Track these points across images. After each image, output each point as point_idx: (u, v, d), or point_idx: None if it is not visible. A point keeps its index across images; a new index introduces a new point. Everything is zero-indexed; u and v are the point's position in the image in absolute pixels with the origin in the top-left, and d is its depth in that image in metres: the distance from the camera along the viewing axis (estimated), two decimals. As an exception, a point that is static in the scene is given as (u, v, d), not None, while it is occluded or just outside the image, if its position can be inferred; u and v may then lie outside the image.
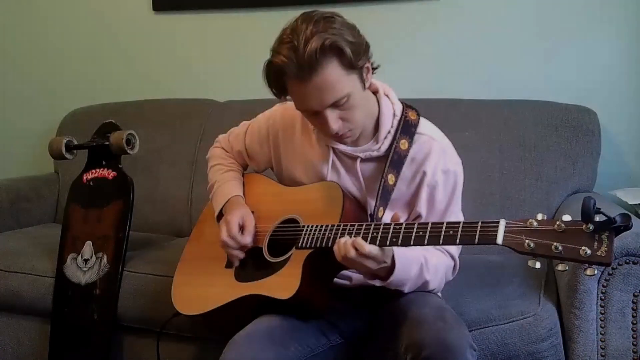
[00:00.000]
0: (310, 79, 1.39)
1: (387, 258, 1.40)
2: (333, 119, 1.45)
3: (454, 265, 1.59)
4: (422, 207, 1.56)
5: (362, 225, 1.42)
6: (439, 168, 1.55)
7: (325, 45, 1.37)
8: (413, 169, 1.56)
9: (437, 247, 1.53)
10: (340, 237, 1.41)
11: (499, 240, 1.22)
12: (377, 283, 1.47)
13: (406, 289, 1.51)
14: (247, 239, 1.61)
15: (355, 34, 1.44)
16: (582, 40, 2.39)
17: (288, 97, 1.49)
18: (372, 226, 1.40)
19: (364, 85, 1.48)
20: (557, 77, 2.42)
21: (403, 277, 1.46)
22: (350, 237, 1.40)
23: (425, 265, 1.49)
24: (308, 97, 1.42)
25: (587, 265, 1.17)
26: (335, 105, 1.43)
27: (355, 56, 1.41)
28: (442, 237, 1.31)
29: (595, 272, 1.19)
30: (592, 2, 2.37)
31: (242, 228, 1.62)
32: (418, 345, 1.35)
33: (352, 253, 1.35)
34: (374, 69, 1.51)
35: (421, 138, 1.57)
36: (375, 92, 1.58)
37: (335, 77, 1.40)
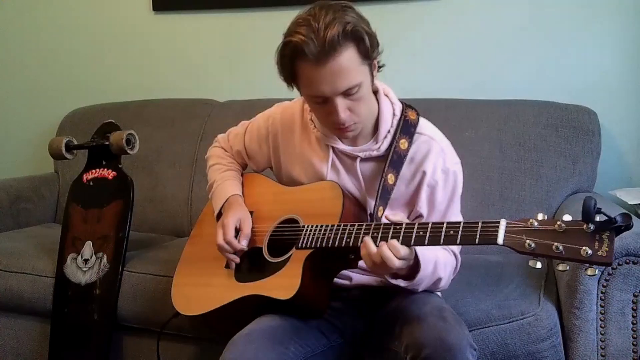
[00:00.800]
0: (327, 63, 1.37)
1: (412, 257, 1.40)
2: (342, 107, 1.43)
3: (457, 264, 1.59)
4: (422, 207, 1.55)
5: (362, 225, 1.42)
6: (439, 168, 1.55)
7: (347, 30, 1.37)
8: (412, 168, 1.56)
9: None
10: (339, 240, 1.41)
11: (500, 240, 1.22)
12: (401, 283, 1.46)
13: (420, 288, 1.50)
14: (243, 244, 1.60)
15: (369, 26, 1.44)
16: (582, 40, 2.39)
17: (293, 86, 1.48)
18: (372, 226, 1.40)
19: (372, 79, 1.48)
20: (557, 77, 2.42)
21: (424, 276, 1.45)
22: (351, 238, 1.40)
23: (438, 263, 1.49)
24: (322, 81, 1.40)
25: (587, 265, 1.17)
26: (346, 93, 1.42)
27: (372, 47, 1.42)
28: (442, 237, 1.31)
29: (596, 272, 1.19)
30: (592, 2, 2.37)
31: (238, 231, 1.62)
32: (418, 345, 1.35)
33: (389, 255, 1.33)
34: (379, 67, 1.50)
35: (420, 138, 1.57)
36: (375, 92, 1.58)
37: (351, 64, 1.40)
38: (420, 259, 1.41)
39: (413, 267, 1.42)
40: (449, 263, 1.55)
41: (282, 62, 1.44)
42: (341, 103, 1.43)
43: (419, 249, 1.40)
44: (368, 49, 1.41)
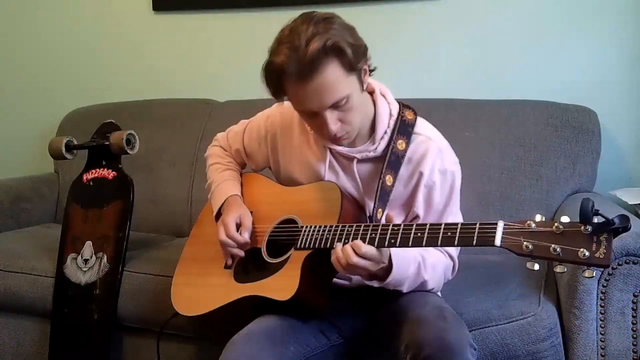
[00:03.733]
0: (311, 80, 1.38)
1: (385, 258, 1.40)
2: (332, 120, 1.44)
3: (453, 265, 1.59)
4: (419, 208, 1.55)
5: (360, 226, 1.42)
6: (436, 168, 1.54)
7: (327, 45, 1.37)
8: (410, 169, 1.56)
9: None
10: (337, 240, 1.42)
11: (497, 242, 1.22)
12: (375, 284, 1.47)
13: (404, 289, 1.51)
14: (246, 237, 1.61)
15: (355, 36, 1.44)
16: (582, 41, 2.39)
17: (285, 98, 1.48)
18: (371, 227, 1.40)
19: (362, 87, 1.48)
20: (557, 77, 2.42)
21: (401, 277, 1.46)
22: (349, 240, 1.40)
23: (422, 265, 1.49)
24: (308, 98, 1.42)
25: (585, 267, 1.17)
26: (335, 106, 1.43)
27: (355, 57, 1.41)
28: (440, 238, 1.31)
29: (594, 273, 1.19)
30: (592, 2, 2.37)
31: (239, 227, 1.62)
32: (418, 345, 1.35)
33: (353, 256, 1.35)
34: (371, 71, 1.50)
35: (418, 138, 1.56)
36: (371, 92, 1.58)
37: (335, 78, 1.40)
38: (393, 260, 1.41)
39: (388, 269, 1.43)
40: (440, 264, 1.55)
41: (268, 81, 1.45)
42: (330, 116, 1.44)
43: (396, 250, 1.40)
44: (351, 61, 1.40)
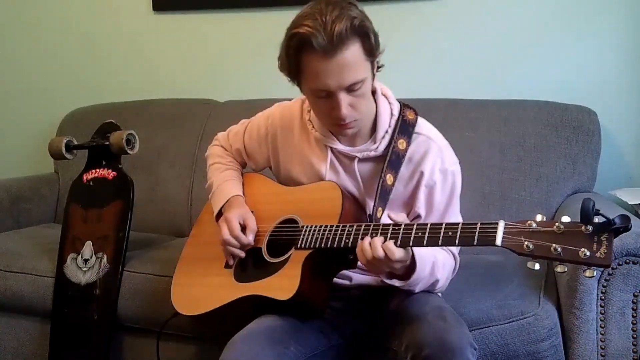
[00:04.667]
0: (334, 56, 1.37)
1: (409, 258, 1.40)
2: (345, 103, 1.43)
3: (455, 265, 1.59)
4: (421, 208, 1.55)
5: (361, 226, 1.42)
6: (437, 168, 1.55)
7: (354, 24, 1.37)
8: (411, 168, 1.56)
9: None
10: (338, 240, 1.41)
11: (498, 241, 1.22)
12: (396, 283, 1.47)
13: (417, 289, 1.50)
14: (250, 238, 1.60)
15: (373, 25, 1.44)
16: (582, 41, 2.39)
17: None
18: (371, 227, 1.40)
19: (373, 77, 1.49)
20: (557, 77, 2.42)
21: (420, 277, 1.45)
22: (350, 239, 1.40)
23: (436, 264, 1.49)
24: (328, 74, 1.39)
25: (586, 267, 1.17)
26: (350, 89, 1.42)
27: (376, 44, 1.43)
28: (441, 238, 1.31)
29: (595, 273, 1.19)
30: (591, 3, 2.37)
31: (243, 227, 1.62)
32: (418, 345, 1.35)
33: (381, 254, 1.34)
34: (379, 67, 1.50)
35: (419, 138, 1.57)
36: (373, 92, 1.57)
37: (357, 59, 1.40)
38: (417, 260, 1.41)
39: (409, 268, 1.42)
40: (448, 264, 1.55)
41: (287, 55, 1.43)
42: (344, 98, 1.43)
43: (416, 249, 1.40)
44: (373, 46, 1.42)
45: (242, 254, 1.61)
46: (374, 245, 1.35)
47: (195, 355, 2.02)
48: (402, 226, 1.36)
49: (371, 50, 1.42)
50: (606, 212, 1.16)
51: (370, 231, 1.39)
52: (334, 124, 1.51)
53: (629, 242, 1.61)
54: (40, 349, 2.19)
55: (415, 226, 1.35)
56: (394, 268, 1.38)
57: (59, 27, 3.09)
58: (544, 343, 1.64)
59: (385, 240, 1.35)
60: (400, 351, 1.41)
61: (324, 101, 1.46)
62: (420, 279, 1.46)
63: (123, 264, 2.08)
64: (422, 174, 1.54)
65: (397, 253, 1.34)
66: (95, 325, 2.06)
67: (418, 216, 1.57)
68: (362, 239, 1.38)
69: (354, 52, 1.39)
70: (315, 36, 1.35)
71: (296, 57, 1.42)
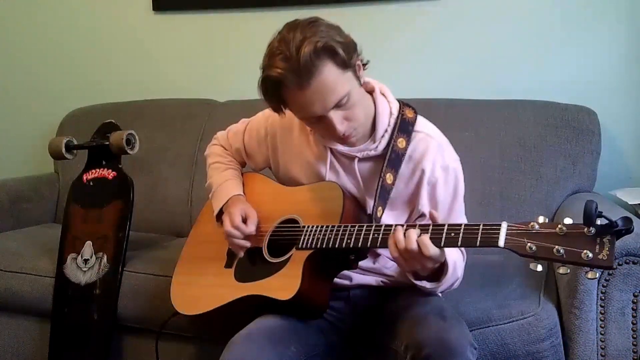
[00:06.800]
0: (310, 85, 1.38)
1: (443, 259, 1.39)
2: (338, 120, 1.44)
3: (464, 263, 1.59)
4: (424, 206, 1.55)
5: (362, 226, 1.42)
6: (438, 165, 1.54)
7: (318, 47, 1.37)
8: (411, 167, 1.55)
9: None
10: (339, 240, 1.41)
11: (501, 243, 1.22)
12: (426, 285, 1.46)
13: (440, 290, 1.50)
14: (252, 228, 1.60)
15: (342, 34, 1.44)
16: (582, 41, 2.39)
17: (286, 110, 1.49)
18: (373, 227, 1.40)
19: (359, 82, 1.49)
20: (557, 77, 2.42)
21: (448, 278, 1.45)
22: (351, 240, 1.39)
23: (457, 265, 1.49)
24: (310, 103, 1.41)
25: (588, 268, 1.17)
26: (338, 106, 1.43)
27: (347, 54, 1.41)
28: (443, 239, 1.31)
29: (597, 275, 1.19)
30: (591, 3, 2.37)
31: (244, 220, 1.62)
32: (418, 344, 1.35)
33: (414, 247, 1.32)
34: (364, 64, 1.50)
35: (418, 136, 1.56)
36: (371, 92, 1.57)
37: (333, 78, 1.40)
38: (449, 262, 1.40)
39: (438, 269, 1.42)
40: (462, 262, 1.55)
41: (266, 94, 1.45)
42: (336, 116, 1.44)
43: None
44: (344, 58, 1.41)
45: (247, 244, 1.60)
46: (408, 237, 1.33)
47: (195, 355, 2.02)
48: (404, 227, 1.36)
49: (344, 62, 1.41)
50: (607, 213, 1.16)
51: (371, 232, 1.39)
52: (335, 139, 1.52)
53: (629, 242, 1.61)
54: (40, 349, 2.19)
55: (417, 227, 1.35)
56: (425, 265, 1.36)
57: (59, 28, 3.09)
58: (544, 343, 1.64)
59: (420, 234, 1.33)
60: (400, 351, 1.41)
61: (318, 124, 1.48)
62: (448, 281, 1.46)
63: (123, 264, 2.08)
64: (423, 171, 1.54)
65: (432, 249, 1.32)
66: (95, 325, 2.06)
67: (422, 215, 1.56)
68: (395, 229, 1.35)
69: (327, 73, 1.39)
70: (286, 76, 1.37)
71: (275, 96, 1.44)
